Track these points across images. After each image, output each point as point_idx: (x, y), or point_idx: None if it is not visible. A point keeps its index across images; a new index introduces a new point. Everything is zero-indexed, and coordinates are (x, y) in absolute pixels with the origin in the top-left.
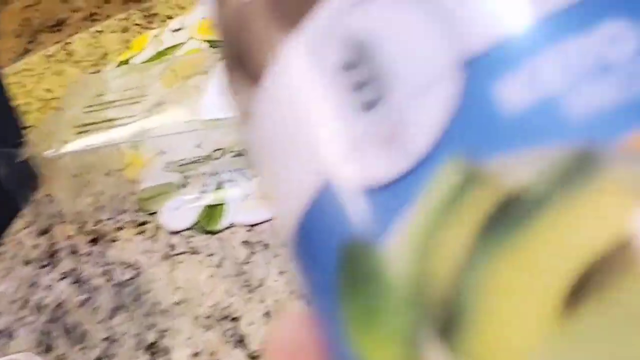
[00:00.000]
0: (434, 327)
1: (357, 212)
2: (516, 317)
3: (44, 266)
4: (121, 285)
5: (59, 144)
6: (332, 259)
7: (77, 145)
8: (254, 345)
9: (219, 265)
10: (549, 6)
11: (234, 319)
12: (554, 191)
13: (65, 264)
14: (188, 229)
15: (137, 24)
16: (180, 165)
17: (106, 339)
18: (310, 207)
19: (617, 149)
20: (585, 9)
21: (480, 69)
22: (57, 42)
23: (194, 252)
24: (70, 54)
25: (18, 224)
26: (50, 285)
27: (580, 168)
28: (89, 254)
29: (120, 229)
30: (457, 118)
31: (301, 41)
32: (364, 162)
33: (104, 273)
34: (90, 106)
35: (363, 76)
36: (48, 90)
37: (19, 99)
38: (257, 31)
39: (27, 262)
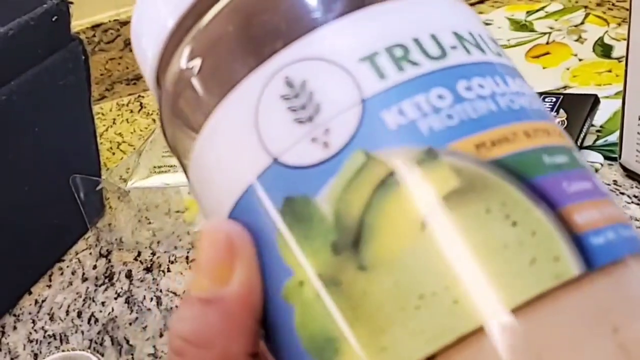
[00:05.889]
0: (346, 241)
1: (296, 180)
2: (392, 233)
3: (100, 285)
4: (169, 311)
5: (132, 180)
6: (276, 210)
7: (146, 183)
8: None
9: None
10: (407, 75)
11: None
12: (412, 168)
13: (120, 286)
14: None
15: None
16: None
17: (152, 354)
18: (246, 193)
19: (446, 149)
20: (425, 80)
21: (372, 104)
22: (130, 94)
23: None
24: (142, 106)
25: (80, 245)
26: (104, 302)
27: (427, 157)
28: (142, 280)
29: (173, 262)
30: (359, 129)
31: (241, 94)
32: (298, 152)
33: (155, 298)
34: (167, 151)
35: (299, 103)
36: (119, 135)
37: None
38: (195, 96)
39: (85, 279)
